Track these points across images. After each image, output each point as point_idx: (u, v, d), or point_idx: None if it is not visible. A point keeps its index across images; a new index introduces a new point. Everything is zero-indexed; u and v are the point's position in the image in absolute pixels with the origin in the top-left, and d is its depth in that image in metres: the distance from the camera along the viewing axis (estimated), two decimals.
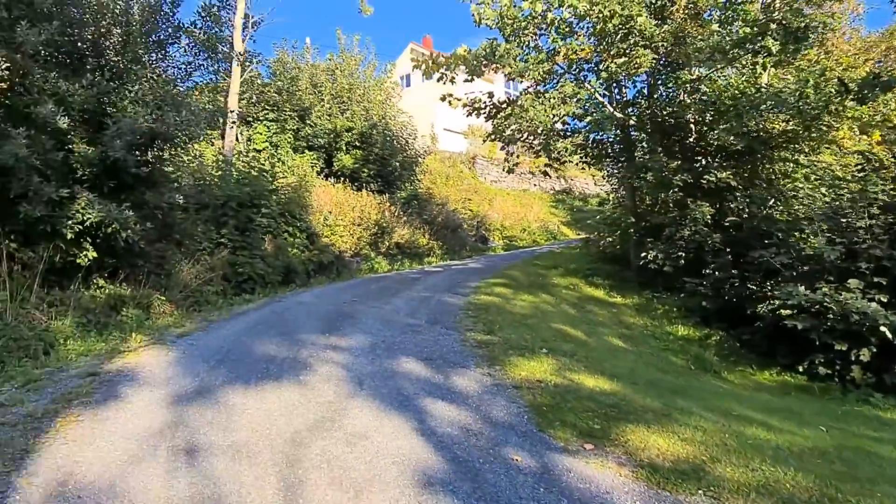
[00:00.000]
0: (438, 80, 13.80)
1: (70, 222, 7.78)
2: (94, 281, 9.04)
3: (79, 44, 8.35)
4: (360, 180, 21.76)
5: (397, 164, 23.31)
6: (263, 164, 14.74)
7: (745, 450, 4.58)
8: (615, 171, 17.45)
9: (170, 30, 9.01)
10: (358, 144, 22.29)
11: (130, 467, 3.83)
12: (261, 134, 20.64)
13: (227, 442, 4.30)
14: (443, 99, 14.33)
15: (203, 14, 9.14)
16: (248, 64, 16.95)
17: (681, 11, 11.54)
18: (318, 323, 8.73)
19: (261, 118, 21.13)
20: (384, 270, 17.23)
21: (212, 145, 16.10)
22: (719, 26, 11.46)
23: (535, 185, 38.64)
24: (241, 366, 6.32)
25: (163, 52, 9.14)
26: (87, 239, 8.22)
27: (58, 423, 4.51)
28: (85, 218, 7.80)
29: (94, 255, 8.38)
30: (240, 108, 17.73)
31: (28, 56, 7.24)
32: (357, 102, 23.03)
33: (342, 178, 21.24)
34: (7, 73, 8.27)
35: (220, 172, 13.58)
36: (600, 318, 11.40)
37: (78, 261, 8.25)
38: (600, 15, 11.38)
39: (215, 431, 4.49)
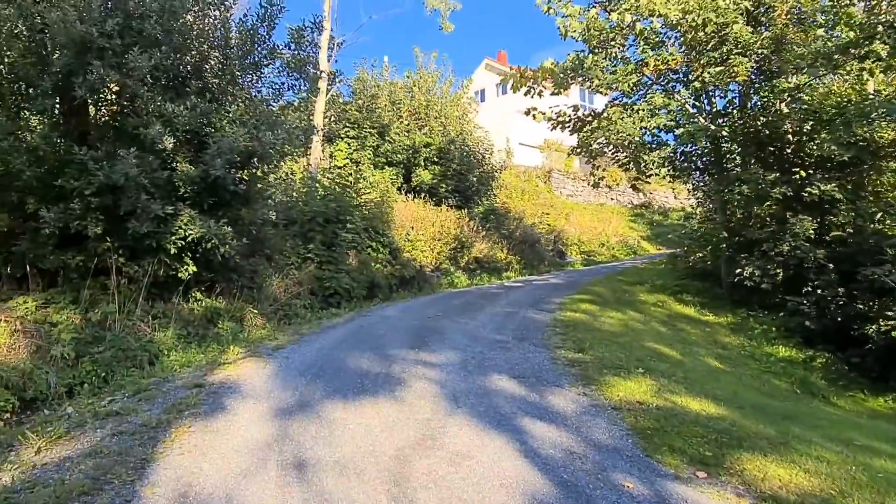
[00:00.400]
0: (526, 94, 13.70)
1: (173, 238, 8.10)
2: (193, 294, 9.39)
3: (181, 67, 8.75)
4: (438, 195, 21.92)
5: (474, 178, 23.37)
6: (347, 181, 15.05)
7: (878, 484, 4.23)
8: (701, 184, 16.87)
9: (264, 52, 9.31)
10: (436, 160, 22.48)
11: (244, 481, 3.88)
12: (341, 151, 21.12)
13: (334, 457, 4.31)
14: (527, 113, 14.22)
15: (295, 37, 9.40)
16: (331, 84, 17.39)
17: (783, 16, 11.02)
18: (406, 338, 8.75)
19: (342, 135, 21.64)
20: (464, 285, 17.20)
21: (296, 162, 16.57)
22: (824, 31, 10.85)
23: (612, 199, 37.90)
24: (337, 380, 6.37)
25: (258, 73, 9.46)
26: (188, 254, 8.54)
27: (171, 433, 4.65)
28: (187, 233, 8.11)
29: (194, 269, 8.70)
30: (323, 125, 18.22)
31: (137, 80, 7.62)
32: (434, 118, 23.29)
33: (421, 194, 21.45)
34: (116, 96, 8.79)
35: (306, 189, 13.93)
36: (693, 336, 10.94)
37: (179, 275, 8.59)
38: (693, 24, 11.02)
39: (320, 446, 4.52)
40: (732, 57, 11.08)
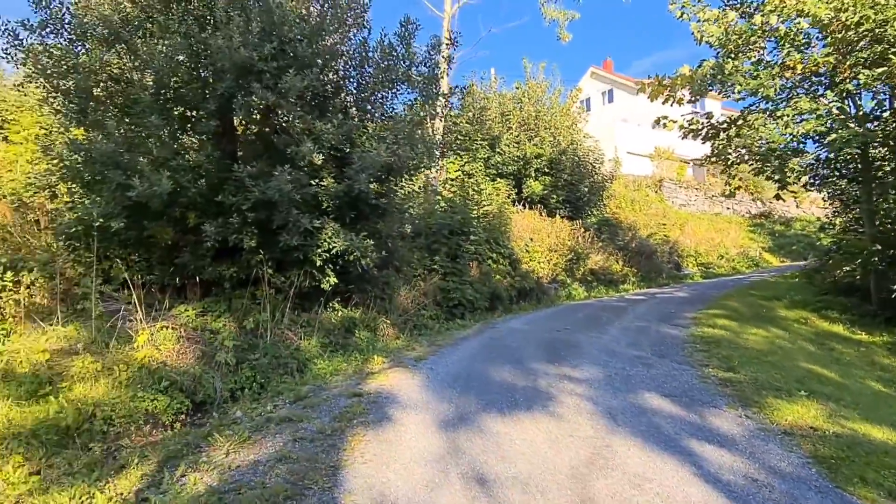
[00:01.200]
0: (664, 103, 13.29)
1: (319, 250, 8.43)
2: (332, 304, 9.73)
3: (324, 87, 9.11)
4: (549, 206, 21.73)
5: (586, 189, 23.00)
6: (468, 193, 15.18)
7: None
8: (839, 192, 15.72)
9: (401, 69, 9.53)
10: (547, 171, 22.33)
11: (433, 493, 3.93)
12: (453, 163, 21.35)
13: (511, 473, 4.29)
14: (657, 122, 13.79)
15: (431, 53, 9.58)
16: (450, 100, 17.63)
17: None
18: (542, 351, 8.65)
19: (453, 148, 21.89)
20: (582, 297, 16.87)
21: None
22: None
23: (728, 208, 36.13)
24: (487, 393, 6.38)
25: (394, 90, 9.70)
26: (330, 266, 8.86)
27: (348, 441, 4.79)
28: (331, 246, 8.41)
29: (335, 280, 9.00)
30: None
31: (290, 100, 7.99)
32: (545, 129, 23.11)
33: (532, 205, 21.34)
34: (262, 115, 9.27)
35: (428, 201, 14.17)
36: (847, 357, 10.15)
37: (322, 286, 8.92)
38: (847, 22, 10.29)
39: (493, 461, 4.51)
40: (893, 56, 10.21)
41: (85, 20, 7.88)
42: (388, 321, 10.39)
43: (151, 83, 7.87)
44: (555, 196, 22.08)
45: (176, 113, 8.43)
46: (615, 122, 36.92)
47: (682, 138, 14.68)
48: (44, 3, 7.87)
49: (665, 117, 13.53)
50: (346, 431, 5.00)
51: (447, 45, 9.73)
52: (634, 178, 33.82)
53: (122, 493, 4.14)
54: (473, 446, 4.80)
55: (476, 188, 16.11)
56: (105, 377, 6.25)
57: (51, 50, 7.99)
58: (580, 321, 11.67)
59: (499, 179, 21.54)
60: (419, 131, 9.71)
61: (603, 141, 30.42)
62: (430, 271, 12.58)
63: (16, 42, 7.85)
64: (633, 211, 28.51)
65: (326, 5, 9.21)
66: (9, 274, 7.31)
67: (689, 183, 35.64)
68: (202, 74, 8.43)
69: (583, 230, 20.45)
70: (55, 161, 8.42)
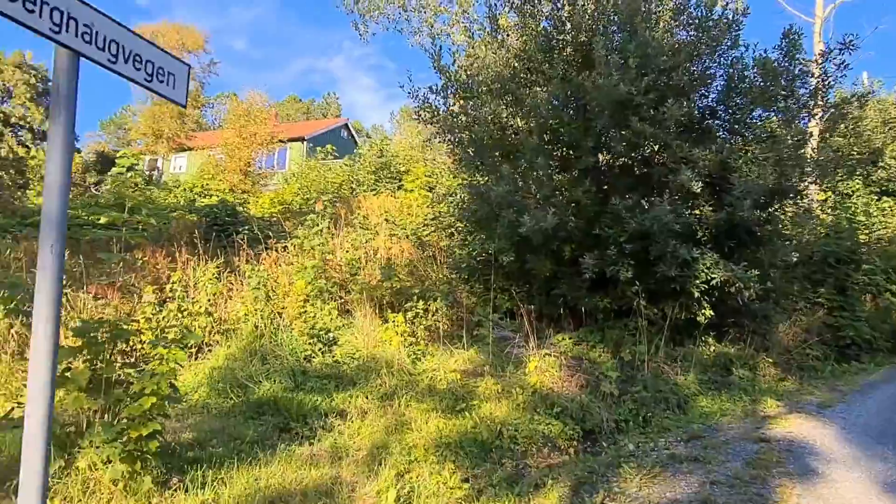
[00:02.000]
0: None
1: (697, 281, 8.06)
2: (704, 339, 9.22)
3: (696, 112, 8.80)
4: None
5: None
6: (853, 215, 13.16)
7: None
8: None
9: (780, 85, 8.72)
10: None
11: None
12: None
13: None
14: None
15: (817, 63, 8.60)
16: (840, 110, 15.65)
17: None
18: None
19: (841, 164, 19.37)
20: None
21: None
22: None
23: None
24: None
25: (773, 108, 8.92)
26: (706, 297, 8.40)
27: (775, 491, 4.37)
28: (710, 277, 7.97)
29: (711, 313, 8.51)
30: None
31: (667, 130, 7.87)
32: None
33: None
34: (627, 148, 9.32)
35: (809, 226, 12.61)
36: None
37: (697, 318, 8.51)
38: None
39: None
40: None
41: (479, 78, 8.96)
42: (769, 360, 9.43)
43: (535, 127, 8.52)
44: None
45: (555, 153, 8.97)
46: None
47: None
48: (445, 69, 9.19)
49: None
50: (769, 481, 4.57)
51: (843, 49, 8.58)
52: None
53: None
54: None
55: (863, 209, 13.86)
56: (505, 398, 6.79)
57: (451, 108, 9.27)
58: None
59: (884, 198, 18.31)
60: (803, 150, 8.75)
61: None
62: (812, 304, 11.14)
63: (425, 104, 9.30)
64: None
65: (692, 29, 8.93)
66: (420, 303, 8.51)
67: None
68: (573, 115, 8.84)
69: None
70: (452, 203, 9.70)
